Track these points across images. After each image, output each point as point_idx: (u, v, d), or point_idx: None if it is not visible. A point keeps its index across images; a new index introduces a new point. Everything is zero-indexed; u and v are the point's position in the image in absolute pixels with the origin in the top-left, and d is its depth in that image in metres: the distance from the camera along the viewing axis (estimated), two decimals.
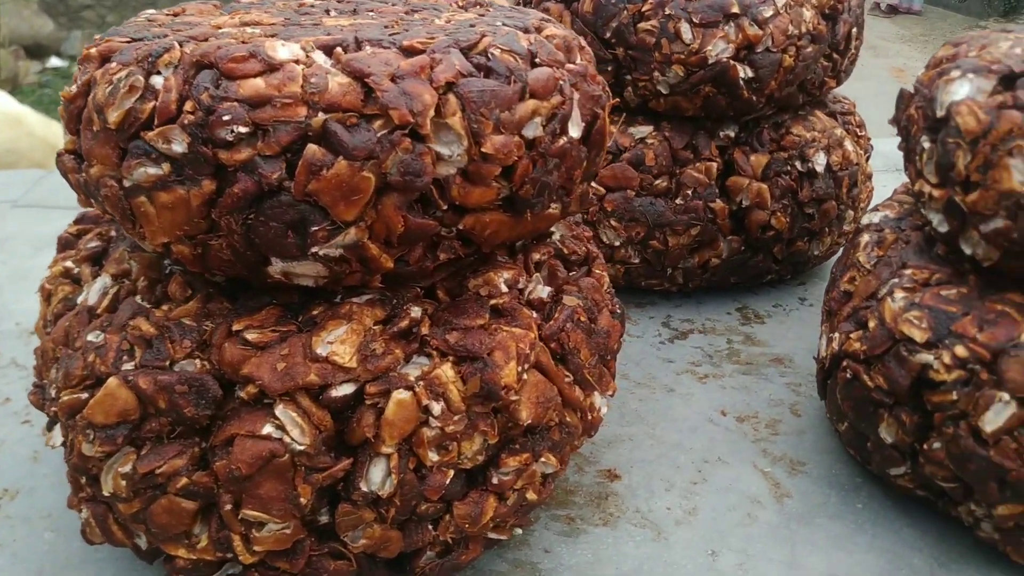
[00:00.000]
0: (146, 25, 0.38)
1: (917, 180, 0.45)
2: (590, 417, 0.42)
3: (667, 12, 0.58)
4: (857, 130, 0.70)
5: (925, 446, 0.43)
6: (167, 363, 0.36)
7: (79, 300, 0.41)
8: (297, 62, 0.32)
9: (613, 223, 0.63)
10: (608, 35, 0.60)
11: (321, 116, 0.31)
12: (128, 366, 0.36)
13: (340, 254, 0.34)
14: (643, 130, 0.63)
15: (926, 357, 0.42)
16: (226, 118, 0.31)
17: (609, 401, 0.45)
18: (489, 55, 0.34)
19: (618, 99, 0.63)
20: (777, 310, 0.68)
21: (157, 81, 0.33)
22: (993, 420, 0.39)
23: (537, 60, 0.37)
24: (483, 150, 0.33)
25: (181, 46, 0.33)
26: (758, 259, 0.66)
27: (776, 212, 0.64)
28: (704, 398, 0.57)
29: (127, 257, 0.41)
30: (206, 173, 0.32)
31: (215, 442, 0.35)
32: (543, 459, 0.40)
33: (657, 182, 0.63)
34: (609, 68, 0.61)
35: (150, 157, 0.33)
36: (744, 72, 0.59)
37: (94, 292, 0.40)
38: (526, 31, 0.38)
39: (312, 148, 0.31)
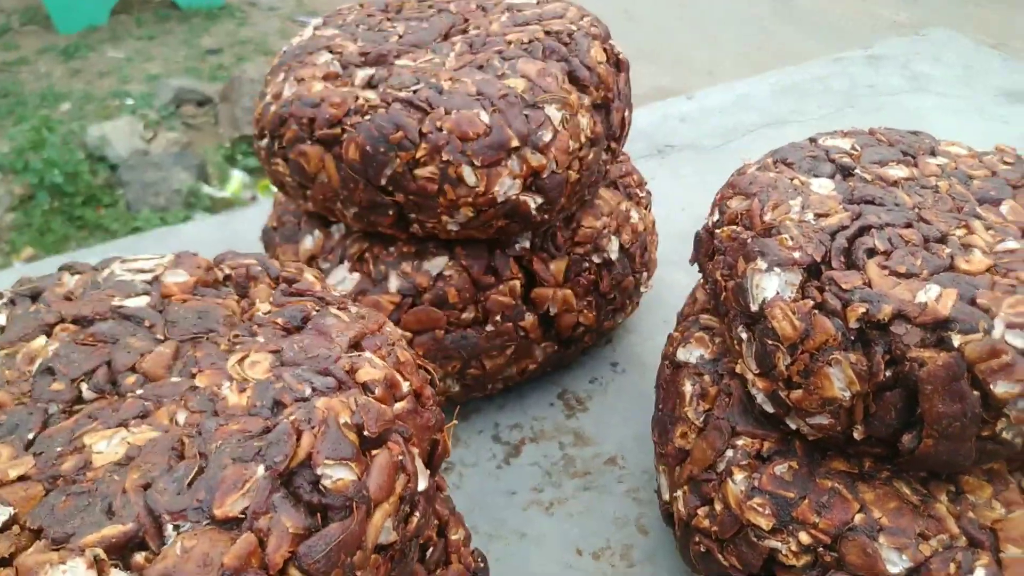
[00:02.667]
0: None
1: (738, 362, 0.46)
2: None
3: (445, 158, 0.53)
4: (637, 192, 0.69)
5: None
6: None
7: None
8: None
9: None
10: (384, 182, 0.54)
11: None
12: None
13: None
14: (439, 263, 0.59)
15: (774, 543, 0.44)
16: None
17: None
18: (321, 486, 0.29)
19: (404, 233, 0.58)
20: (594, 387, 0.69)
21: None
22: None
23: (366, 433, 0.32)
24: None
25: None
26: (571, 351, 0.66)
27: (583, 310, 0.63)
28: (556, 536, 0.57)
29: None
30: None
31: None
32: None
33: (464, 315, 0.59)
34: (391, 212, 0.56)
35: None
36: (534, 201, 0.56)
37: None
38: (341, 385, 0.33)
39: None
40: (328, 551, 0.28)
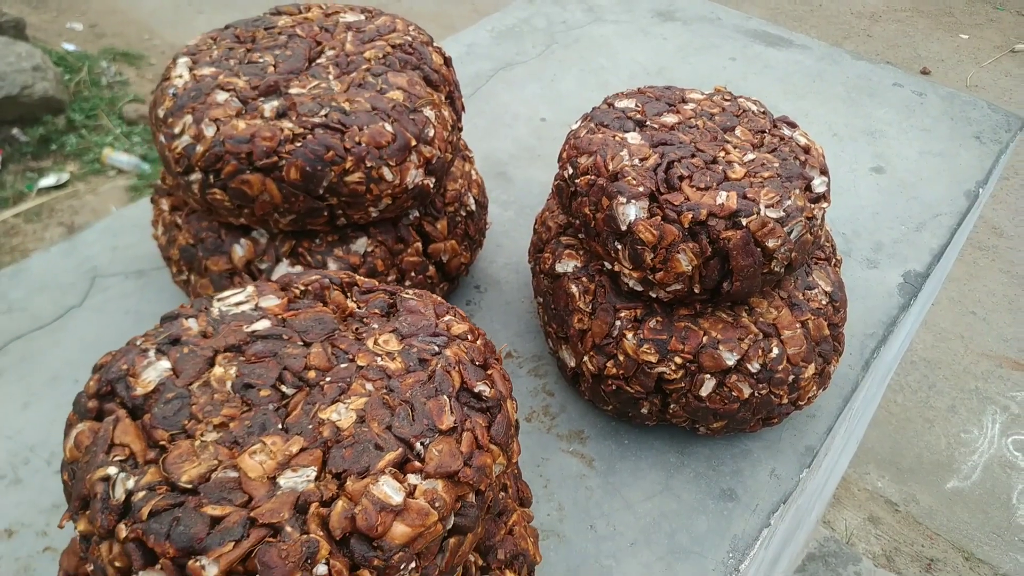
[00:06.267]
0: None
1: (612, 261, 0.70)
2: None
3: (368, 164, 0.69)
4: (468, 153, 0.89)
5: (669, 410, 0.73)
6: None
7: None
8: (412, 494, 0.43)
9: None
10: (321, 192, 0.69)
11: (451, 520, 0.44)
12: None
13: None
14: (362, 243, 0.75)
15: (661, 369, 0.70)
16: (403, 566, 0.42)
17: None
18: (483, 397, 0.48)
19: (330, 227, 0.73)
20: (471, 307, 0.90)
21: (321, 570, 0.41)
22: (706, 389, 0.70)
23: (478, 363, 0.51)
24: None
25: (326, 531, 0.41)
26: (454, 285, 0.86)
27: (462, 253, 0.83)
28: None
29: None
30: None
31: None
32: None
33: (389, 278, 0.77)
34: (324, 213, 0.71)
35: None
36: (431, 182, 0.74)
37: None
38: (450, 340, 0.51)
39: (452, 542, 0.44)
40: (504, 430, 0.48)
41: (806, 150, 0.73)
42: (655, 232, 0.66)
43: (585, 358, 0.74)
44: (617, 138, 0.72)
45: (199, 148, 0.69)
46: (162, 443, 0.45)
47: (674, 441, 0.78)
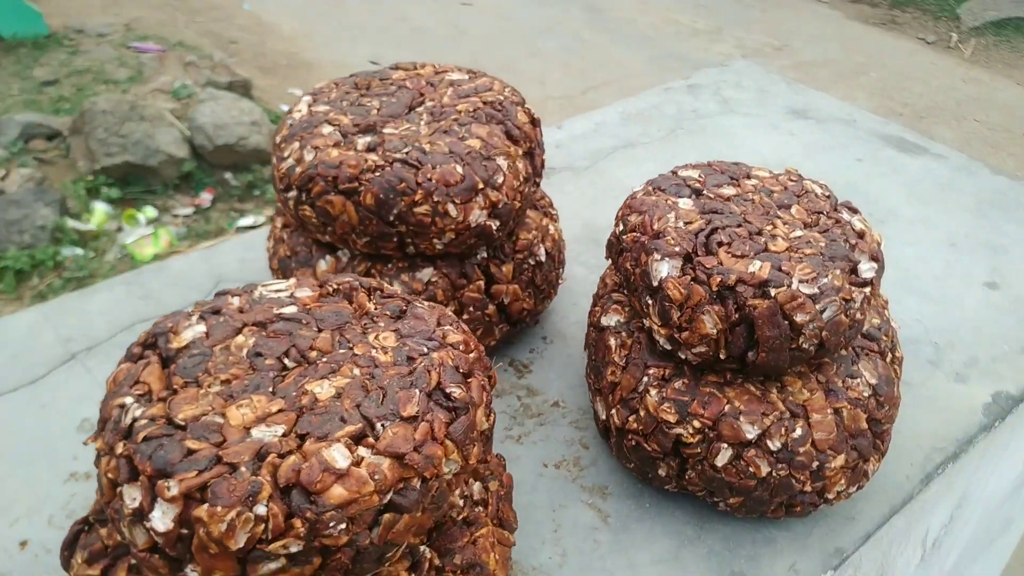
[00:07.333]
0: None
1: (645, 317, 0.73)
2: None
3: (435, 199, 0.76)
4: (550, 210, 0.95)
5: (686, 476, 0.73)
6: None
7: None
8: (358, 463, 0.48)
9: None
10: (391, 219, 0.77)
11: (389, 496, 0.48)
12: None
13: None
14: (427, 272, 0.82)
15: (679, 431, 0.71)
16: (332, 524, 0.46)
17: None
18: (452, 398, 0.53)
19: (400, 253, 0.81)
20: (533, 355, 0.94)
21: (260, 510, 0.46)
22: (721, 459, 0.70)
23: (462, 370, 0.55)
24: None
25: (273, 478, 0.47)
26: (516, 329, 0.91)
27: (525, 299, 0.88)
28: (528, 457, 0.82)
29: None
30: (315, 554, 0.47)
31: None
32: None
33: (448, 309, 0.83)
34: (394, 239, 0.79)
35: (270, 558, 0.47)
36: (494, 224, 0.80)
37: None
38: (442, 345, 0.56)
39: (387, 517, 0.48)
40: (463, 430, 0.52)
41: (860, 235, 0.73)
42: (683, 291, 0.68)
43: (612, 410, 0.76)
44: (669, 201, 0.75)
45: (298, 170, 0.79)
46: (176, 387, 0.53)
47: (696, 514, 0.77)
